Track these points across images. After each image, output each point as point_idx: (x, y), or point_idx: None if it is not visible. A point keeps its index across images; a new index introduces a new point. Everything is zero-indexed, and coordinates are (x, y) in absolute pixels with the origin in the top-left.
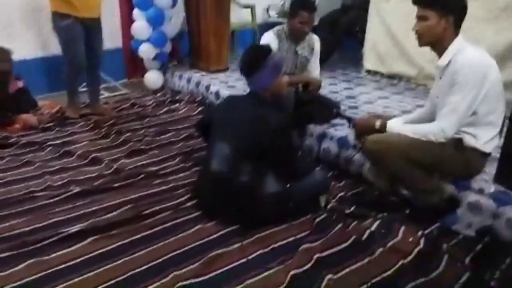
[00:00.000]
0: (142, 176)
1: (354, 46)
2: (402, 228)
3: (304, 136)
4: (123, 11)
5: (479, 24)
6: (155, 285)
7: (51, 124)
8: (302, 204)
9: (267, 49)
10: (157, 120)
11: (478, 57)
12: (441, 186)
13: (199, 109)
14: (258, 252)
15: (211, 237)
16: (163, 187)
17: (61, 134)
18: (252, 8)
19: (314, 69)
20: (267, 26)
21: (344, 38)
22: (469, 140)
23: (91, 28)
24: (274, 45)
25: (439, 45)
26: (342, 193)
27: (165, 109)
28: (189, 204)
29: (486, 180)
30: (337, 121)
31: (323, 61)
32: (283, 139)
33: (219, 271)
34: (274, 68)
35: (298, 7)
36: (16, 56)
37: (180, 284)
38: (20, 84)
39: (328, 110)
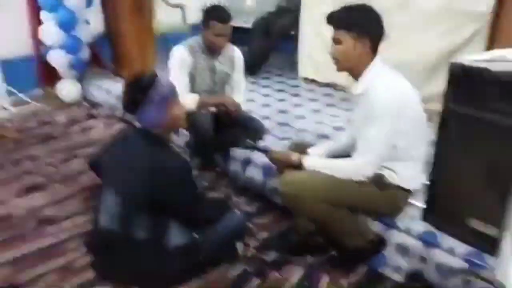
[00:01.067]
0: (33, 224)
1: (290, 49)
2: (326, 279)
3: (227, 161)
4: (30, 13)
5: (409, 33)
6: None
7: None
8: (216, 254)
9: (148, 80)
10: (67, 142)
11: (394, 89)
12: (365, 227)
13: (120, 127)
14: None
15: None
16: (56, 240)
17: None
18: (182, 8)
19: (237, 86)
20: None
21: (280, 41)
22: (389, 176)
23: None
24: (188, 61)
25: (355, 70)
26: (265, 234)
27: (78, 128)
28: (83, 263)
29: (413, 218)
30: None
31: (257, 67)
32: (185, 189)
33: None
34: (161, 101)
35: (211, 17)
36: None
37: None
38: None
39: (253, 134)
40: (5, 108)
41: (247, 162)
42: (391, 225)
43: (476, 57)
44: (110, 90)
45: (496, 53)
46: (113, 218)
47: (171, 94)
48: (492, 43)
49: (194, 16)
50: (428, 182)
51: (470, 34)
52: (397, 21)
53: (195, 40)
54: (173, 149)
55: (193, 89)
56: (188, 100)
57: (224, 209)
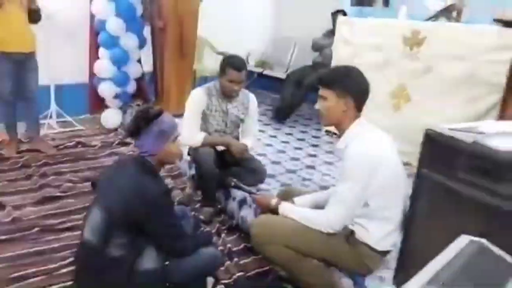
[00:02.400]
0: (36, 229)
1: None
2: None
3: (227, 199)
4: (91, 47)
5: (434, 96)
6: None
7: None
8: (183, 285)
9: (154, 113)
10: (94, 163)
11: (369, 150)
12: (334, 282)
13: None
14: None
15: None
16: (51, 246)
17: None
18: (224, 55)
19: (249, 130)
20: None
21: (311, 94)
22: (360, 233)
23: (23, 63)
24: (203, 102)
25: (339, 127)
26: (241, 273)
27: (109, 152)
28: (65, 270)
29: (384, 280)
30: (262, 186)
31: (285, 115)
32: (161, 217)
33: None
34: (159, 134)
35: (227, 65)
36: None
37: None
38: None
39: (254, 176)
40: (52, 127)
41: (242, 202)
42: (361, 285)
43: (456, 126)
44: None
45: (480, 124)
46: (94, 231)
47: (170, 131)
48: (503, 112)
49: None
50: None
51: (492, 103)
52: (421, 85)
53: (213, 84)
54: (159, 179)
55: (206, 129)
56: (196, 137)
57: (204, 244)
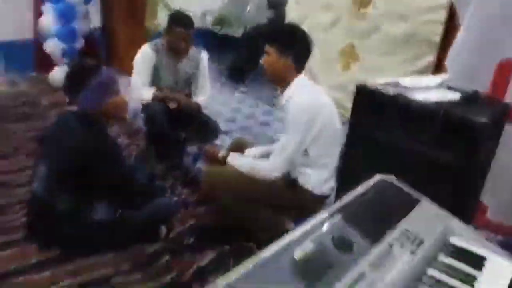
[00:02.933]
0: None
1: None
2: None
3: (181, 154)
4: (36, 1)
5: (380, 57)
6: None
7: None
8: (136, 232)
9: (91, 66)
10: (42, 122)
11: (307, 101)
12: (279, 224)
13: None
14: (67, 282)
15: (23, 263)
16: (3, 200)
17: None
18: None
19: (202, 87)
20: (200, 32)
21: None
22: (302, 180)
23: None
24: (151, 58)
25: (281, 83)
26: (193, 222)
27: (56, 111)
28: (18, 223)
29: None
30: (217, 142)
31: (241, 75)
32: (109, 163)
33: None
34: (98, 87)
35: (173, 22)
36: None
37: None
38: None
39: (207, 132)
40: None
41: (198, 156)
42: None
43: (384, 81)
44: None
45: (405, 79)
46: (42, 185)
47: (112, 83)
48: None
49: (198, 20)
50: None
51: (430, 62)
52: (369, 44)
53: (160, 41)
54: (104, 131)
55: (157, 86)
56: (144, 92)
57: (156, 193)
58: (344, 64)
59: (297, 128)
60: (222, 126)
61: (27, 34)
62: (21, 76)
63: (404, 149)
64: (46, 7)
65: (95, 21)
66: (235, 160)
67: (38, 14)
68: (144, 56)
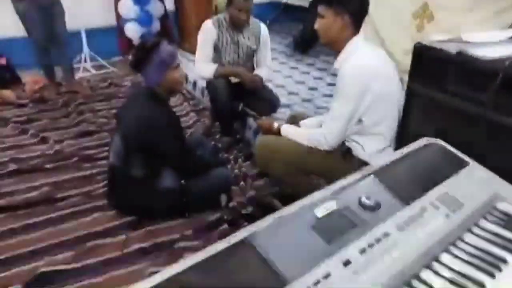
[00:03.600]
0: (75, 159)
1: None
2: None
3: (244, 129)
4: None
5: (457, 15)
6: (22, 268)
7: (27, 100)
8: (199, 201)
9: (152, 43)
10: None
11: (361, 67)
12: None
13: None
14: (137, 246)
15: (102, 227)
16: (88, 172)
17: (31, 111)
18: None
19: (263, 61)
20: (267, 4)
21: None
22: (356, 150)
23: (49, 8)
24: (213, 34)
25: (337, 45)
26: (252, 192)
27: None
28: (101, 191)
29: None
30: (278, 116)
31: (307, 46)
32: (169, 136)
33: (89, 261)
34: (160, 62)
35: None
36: (2, 33)
37: (42, 270)
38: (2, 61)
39: (267, 105)
40: (87, 70)
41: (258, 130)
42: None
43: (444, 37)
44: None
45: (468, 35)
46: (117, 156)
47: (170, 59)
48: None
49: None
50: None
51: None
52: (444, 2)
53: (223, 16)
54: (167, 106)
55: (219, 61)
56: (206, 69)
57: (216, 165)
58: (418, 25)
59: (349, 96)
60: (285, 99)
61: (111, 21)
62: (108, 60)
63: (465, 111)
64: None
65: (169, 4)
66: (288, 132)
67: (116, 1)
68: (206, 32)
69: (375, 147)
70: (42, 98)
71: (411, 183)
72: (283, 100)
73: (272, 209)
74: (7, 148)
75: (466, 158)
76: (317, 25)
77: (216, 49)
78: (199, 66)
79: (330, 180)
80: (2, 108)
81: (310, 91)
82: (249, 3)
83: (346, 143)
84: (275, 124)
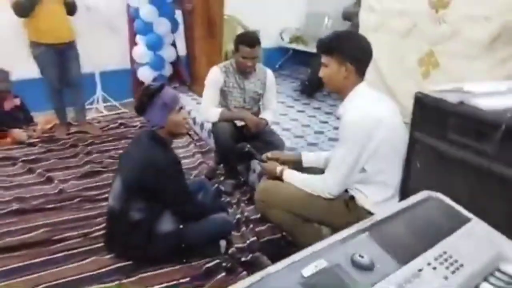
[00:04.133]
0: (78, 199)
1: None
2: None
3: (248, 172)
4: (130, 35)
5: (463, 62)
6: None
7: (37, 140)
8: (198, 246)
9: (155, 88)
10: None
11: (364, 115)
12: None
13: None
14: None
15: (97, 271)
16: (89, 213)
17: (40, 150)
18: (256, 33)
19: (269, 104)
20: (276, 50)
21: None
22: (360, 198)
23: (65, 52)
24: (220, 79)
25: (341, 92)
26: (254, 239)
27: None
28: (99, 233)
29: None
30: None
31: (314, 90)
32: (169, 179)
33: None
34: (163, 106)
35: (239, 42)
36: (19, 75)
37: None
38: (17, 101)
39: (272, 148)
40: (100, 111)
41: (262, 173)
42: None
43: (445, 87)
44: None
45: (468, 84)
46: (116, 198)
47: (172, 102)
48: None
49: (268, 41)
50: None
51: None
52: (449, 50)
53: (230, 62)
54: (168, 150)
55: (227, 106)
56: (211, 113)
57: (215, 210)
58: (424, 72)
59: (352, 144)
60: (291, 142)
61: (125, 64)
62: (120, 101)
63: (467, 162)
64: (138, 39)
65: (181, 49)
66: (290, 178)
67: (132, 45)
68: (213, 78)
69: (379, 196)
70: (52, 138)
71: (407, 241)
72: (288, 143)
73: (259, 266)
74: (13, 187)
75: (467, 213)
76: (321, 73)
77: (223, 93)
78: (204, 110)
79: (333, 229)
80: (13, 148)
81: (316, 135)
82: (255, 52)
83: (350, 191)
84: (278, 168)
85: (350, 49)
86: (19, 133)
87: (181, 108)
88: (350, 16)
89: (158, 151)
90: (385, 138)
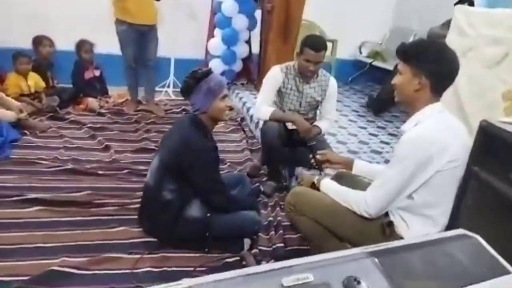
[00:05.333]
0: (126, 171)
1: None
2: None
3: (291, 177)
4: (210, 27)
5: None
6: (37, 262)
7: (107, 111)
8: (222, 239)
9: (203, 72)
10: None
11: (428, 137)
12: None
13: (233, 127)
14: (146, 269)
15: (123, 241)
16: (132, 185)
17: (107, 120)
18: (333, 42)
19: (325, 113)
20: (352, 63)
21: None
22: (399, 226)
23: (145, 34)
24: (278, 79)
25: (411, 107)
26: (281, 245)
27: None
28: (135, 206)
29: None
30: (327, 171)
31: (383, 108)
32: (202, 165)
33: (98, 271)
34: (207, 91)
35: (305, 44)
36: (102, 49)
37: (53, 268)
38: (97, 73)
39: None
40: (169, 95)
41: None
42: None
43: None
44: (244, 99)
45: None
46: (152, 175)
47: (217, 88)
48: None
49: (345, 52)
50: None
51: None
52: None
53: (293, 63)
54: (208, 136)
55: (281, 107)
56: (264, 110)
57: (245, 207)
58: (507, 107)
59: (405, 165)
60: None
61: (200, 55)
62: None
63: None
64: (216, 32)
65: (255, 47)
66: (327, 188)
67: (210, 37)
68: (272, 76)
69: (422, 230)
70: (121, 112)
71: (420, 278)
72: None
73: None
74: (73, 148)
75: (506, 265)
76: (395, 80)
77: (280, 94)
78: (258, 107)
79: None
80: (84, 114)
81: (372, 154)
82: (319, 57)
83: (391, 216)
84: (317, 177)
85: (428, 61)
86: (93, 101)
87: (225, 95)
88: (436, 36)
89: (197, 135)
90: (445, 169)
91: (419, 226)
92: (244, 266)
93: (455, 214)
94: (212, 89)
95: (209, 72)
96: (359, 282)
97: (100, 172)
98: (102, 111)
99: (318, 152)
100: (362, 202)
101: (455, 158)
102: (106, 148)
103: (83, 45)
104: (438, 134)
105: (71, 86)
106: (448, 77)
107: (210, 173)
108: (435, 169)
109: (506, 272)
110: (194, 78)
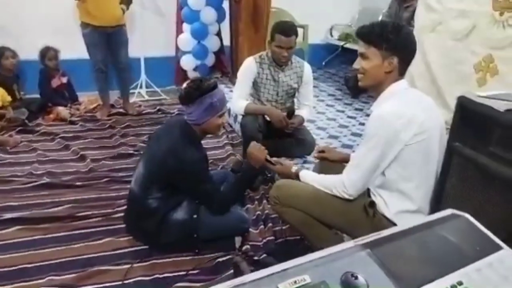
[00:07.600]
0: (106, 179)
1: None
2: None
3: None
4: (178, 23)
5: None
6: (23, 284)
7: (79, 118)
8: (211, 239)
9: (209, 86)
10: None
11: (393, 113)
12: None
13: None
14: (138, 279)
15: (111, 252)
16: (114, 194)
17: (80, 128)
18: (304, 28)
19: (304, 100)
20: (324, 46)
21: None
22: (380, 205)
23: (112, 35)
24: (253, 69)
25: (377, 89)
26: (271, 238)
27: None
28: (119, 215)
29: None
30: (310, 158)
31: (359, 90)
32: (192, 176)
33: (89, 286)
34: (209, 106)
35: (275, 30)
36: (68, 55)
37: None
38: (64, 80)
39: (302, 146)
40: (142, 96)
41: None
42: None
43: (493, 93)
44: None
45: None
46: (137, 182)
47: (220, 106)
48: None
49: (316, 36)
50: None
51: None
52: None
53: (265, 53)
54: (198, 146)
55: (259, 98)
56: (238, 105)
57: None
58: (480, 78)
59: (375, 143)
60: (323, 142)
61: (170, 52)
62: (162, 88)
63: (510, 181)
64: (184, 27)
65: (226, 39)
66: (307, 177)
67: (179, 33)
68: (246, 68)
69: (400, 207)
70: (93, 118)
71: (417, 265)
72: (321, 143)
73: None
74: (47, 161)
75: (498, 241)
76: (358, 65)
77: (256, 85)
78: (234, 101)
79: (346, 232)
80: (55, 124)
81: (352, 137)
82: (290, 42)
83: (372, 196)
84: (293, 168)
85: (400, 43)
86: (62, 110)
87: (224, 112)
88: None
89: (188, 145)
90: (413, 143)
91: (397, 202)
92: (237, 272)
93: (438, 192)
94: (214, 105)
95: (215, 86)
96: (356, 277)
97: (79, 183)
98: (74, 119)
99: (317, 147)
100: (340, 184)
101: (422, 130)
102: (82, 158)
103: (47, 52)
104: (405, 109)
105: (38, 96)
106: (413, 55)
107: (202, 184)
108: (402, 143)
109: (497, 248)
110: (199, 89)
